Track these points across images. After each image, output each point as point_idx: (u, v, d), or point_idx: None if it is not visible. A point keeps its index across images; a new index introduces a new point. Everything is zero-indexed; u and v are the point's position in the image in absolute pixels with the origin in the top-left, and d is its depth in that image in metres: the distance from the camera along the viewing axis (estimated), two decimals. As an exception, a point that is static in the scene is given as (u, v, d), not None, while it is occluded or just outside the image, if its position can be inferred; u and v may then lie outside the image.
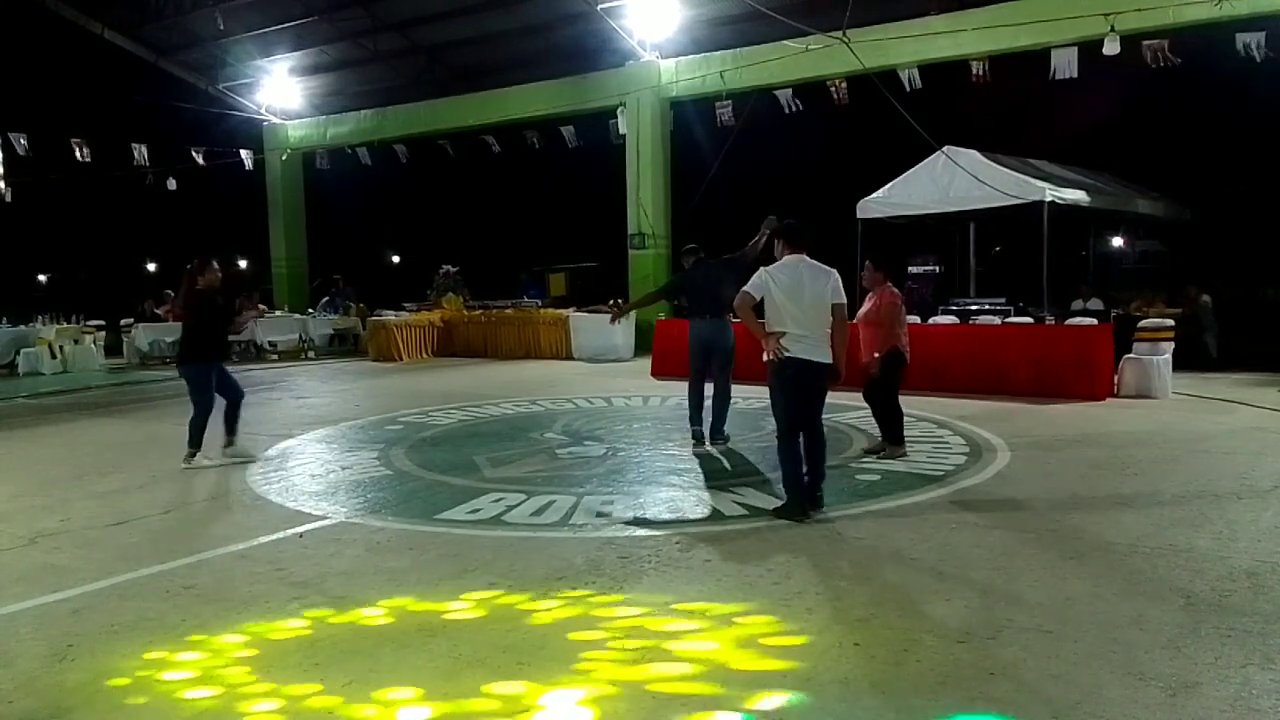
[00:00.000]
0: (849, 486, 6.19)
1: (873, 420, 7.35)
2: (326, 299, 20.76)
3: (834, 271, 5.43)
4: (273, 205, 23.08)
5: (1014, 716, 2.99)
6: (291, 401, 11.58)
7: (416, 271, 25.27)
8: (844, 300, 5.41)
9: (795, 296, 5.29)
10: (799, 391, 5.35)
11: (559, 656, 3.54)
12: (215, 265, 7.47)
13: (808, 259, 5.45)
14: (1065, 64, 13.07)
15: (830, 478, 6.43)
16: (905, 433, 7.25)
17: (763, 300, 5.41)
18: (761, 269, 5.44)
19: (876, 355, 6.92)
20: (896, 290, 7.18)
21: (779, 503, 5.76)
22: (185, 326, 7.65)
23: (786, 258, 5.46)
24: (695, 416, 7.75)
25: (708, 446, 7.62)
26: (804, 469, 5.39)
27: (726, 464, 7.13)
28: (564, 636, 3.75)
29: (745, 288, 5.41)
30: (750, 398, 9.48)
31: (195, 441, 7.39)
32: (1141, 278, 16.14)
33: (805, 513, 5.32)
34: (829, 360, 5.32)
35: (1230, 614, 3.78)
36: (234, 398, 7.57)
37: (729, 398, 7.78)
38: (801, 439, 5.38)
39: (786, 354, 5.23)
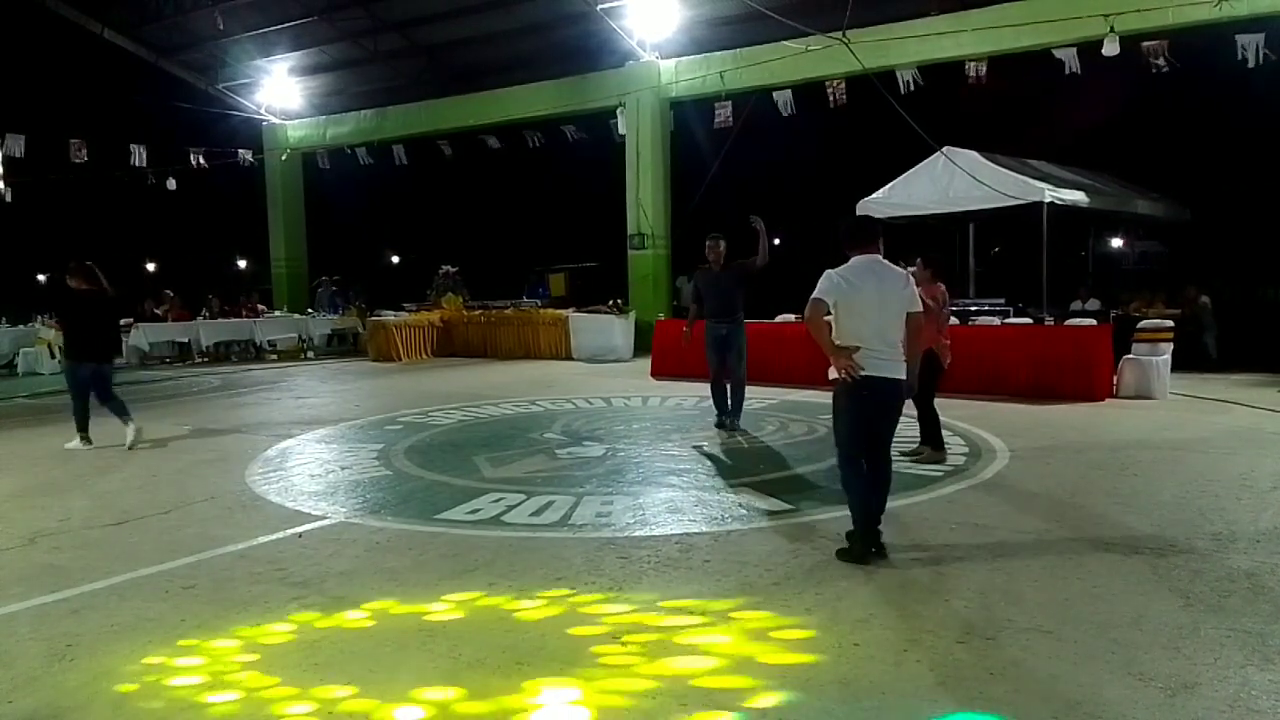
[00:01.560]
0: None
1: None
2: (321, 289, 20.75)
3: (909, 275, 4.79)
4: (272, 205, 23.08)
5: (1012, 717, 2.99)
6: (291, 401, 11.58)
7: (416, 271, 25.27)
8: (920, 308, 4.73)
9: (870, 304, 4.53)
10: (874, 415, 4.65)
11: (559, 657, 3.54)
12: (91, 266, 8.05)
13: (880, 259, 4.69)
14: (1064, 65, 13.08)
15: (830, 478, 6.45)
16: (907, 433, 7.23)
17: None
18: (829, 270, 4.64)
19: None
20: (944, 288, 7.05)
21: (779, 504, 5.76)
22: (71, 325, 8.20)
23: (856, 259, 4.66)
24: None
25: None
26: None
27: (726, 464, 7.14)
28: (563, 637, 3.75)
29: (816, 294, 4.56)
30: (751, 398, 9.48)
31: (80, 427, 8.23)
32: (1141, 278, 16.14)
33: (878, 553, 4.58)
34: (904, 376, 4.62)
35: (1230, 614, 3.78)
36: (102, 398, 8.25)
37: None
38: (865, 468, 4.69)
39: (863, 373, 4.47)
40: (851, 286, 4.54)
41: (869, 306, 4.53)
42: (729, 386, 8.54)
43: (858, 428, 4.66)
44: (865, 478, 4.65)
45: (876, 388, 4.53)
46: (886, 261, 4.71)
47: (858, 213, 14.00)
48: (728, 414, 8.53)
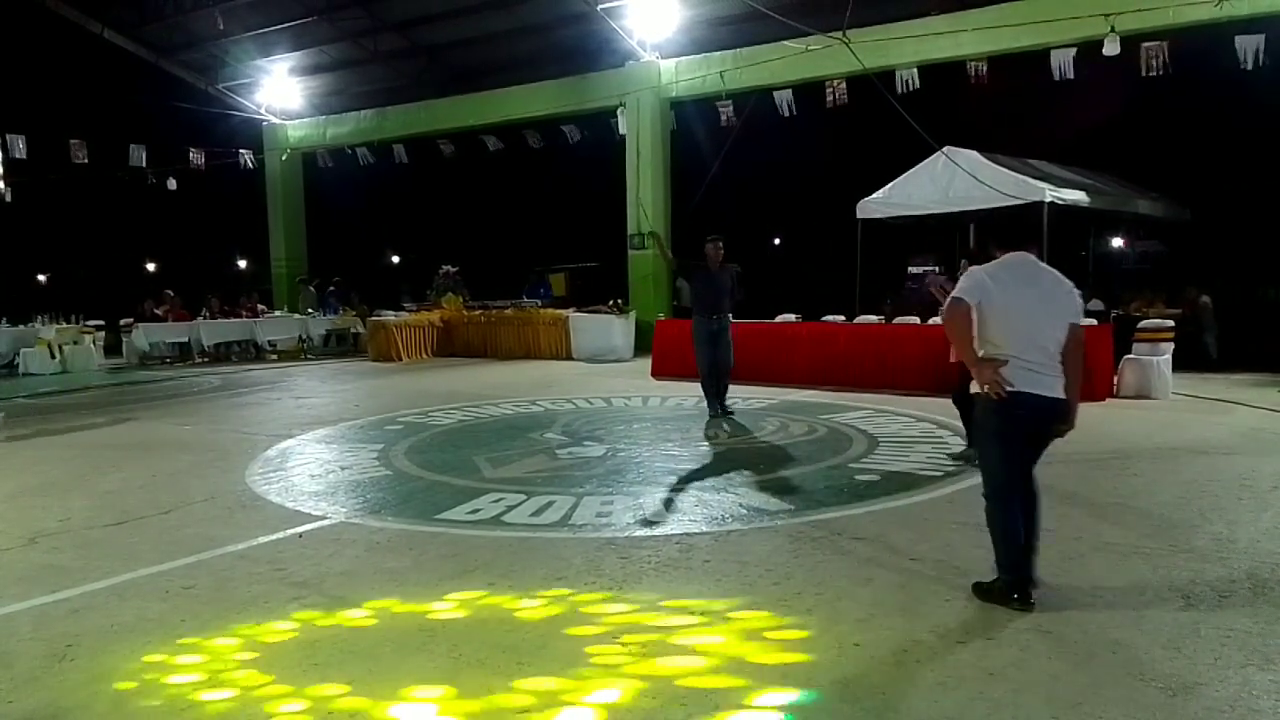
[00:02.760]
0: (849, 486, 6.19)
1: (875, 421, 7.32)
2: (302, 293, 20.74)
3: (1069, 281, 4.09)
4: (272, 205, 23.07)
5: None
6: (291, 401, 11.58)
7: (416, 271, 25.28)
8: (1081, 321, 4.06)
9: (1023, 308, 3.91)
10: (1028, 438, 4.02)
11: (559, 657, 3.54)
12: None
13: (1036, 260, 4.07)
14: (1064, 65, 13.08)
15: (830, 478, 6.46)
16: (907, 433, 7.23)
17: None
18: (974, 268, 4.10)
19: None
20: None
21: (779, 504, 5.75)
22: None
23: (1007, 256, 4.04)
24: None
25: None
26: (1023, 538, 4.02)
27: (726, 464, 7.13)
28: (563, 637, 3.75)
29: (956, 292, 3.97)
30: (751, 398, 9.50)
31: None
32: (1141, 278, 16.14)
33: (1028, 595, 3.93)
34: (1063, 395, 3.93)
35: (1230, 614, 3.78)
36: None
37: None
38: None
39: (1011, 389, 3.84)
40: (1000, 287, 3.92)
41: (1020, 311, 3.92)
42: (719, 375, 9.20)
43: (1012, 452, 4.00)
44: (1018, 511, 3.99)
45: (1033, 407, 3.88)
46: (1042, 263, 4.10)
47: (858, 213, 14.02)
48: (718, 406, 9.18)
